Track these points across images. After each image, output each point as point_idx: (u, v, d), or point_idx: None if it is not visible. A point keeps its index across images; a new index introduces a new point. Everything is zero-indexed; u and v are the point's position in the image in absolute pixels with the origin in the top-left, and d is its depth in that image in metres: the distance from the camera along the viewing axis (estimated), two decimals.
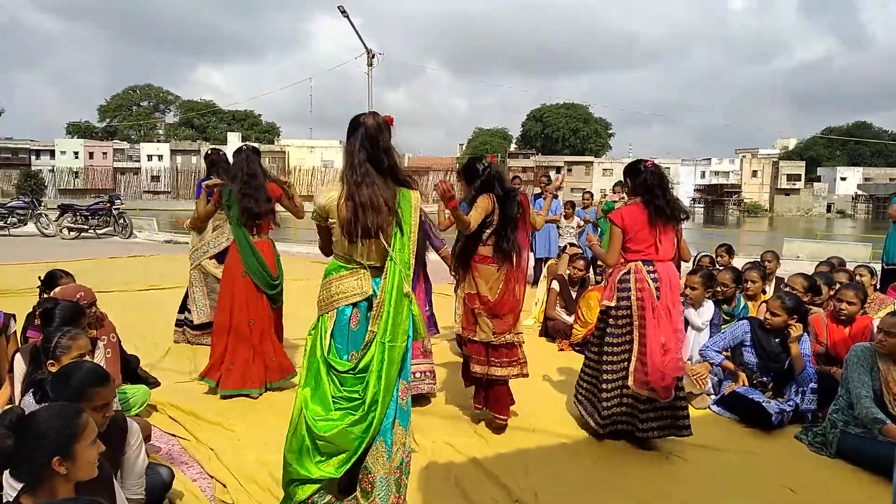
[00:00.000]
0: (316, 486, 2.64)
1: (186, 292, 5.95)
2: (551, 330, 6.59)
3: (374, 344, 2.63)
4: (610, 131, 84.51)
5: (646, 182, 3.83)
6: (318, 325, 2.77)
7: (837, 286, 5.27)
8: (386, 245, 2.69)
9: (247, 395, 4.54)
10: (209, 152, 6.03)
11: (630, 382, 3.77)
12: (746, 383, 4.46)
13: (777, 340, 4.44)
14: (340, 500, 2.70)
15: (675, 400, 3.84)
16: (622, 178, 4.15)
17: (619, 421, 3.90)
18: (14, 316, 4.20)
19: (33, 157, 68.98)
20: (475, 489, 3.27)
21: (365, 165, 2.66)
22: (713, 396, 4.69)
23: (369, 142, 2.68)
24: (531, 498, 3.22)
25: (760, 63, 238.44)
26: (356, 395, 2.63)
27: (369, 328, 2.66)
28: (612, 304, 3.87)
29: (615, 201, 8.69)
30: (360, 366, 2.64)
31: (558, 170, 63.82)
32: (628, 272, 3.83)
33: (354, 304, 2.72)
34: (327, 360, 2.69)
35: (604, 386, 3.89)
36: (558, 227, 10.12)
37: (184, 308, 5.99)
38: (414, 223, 2.74)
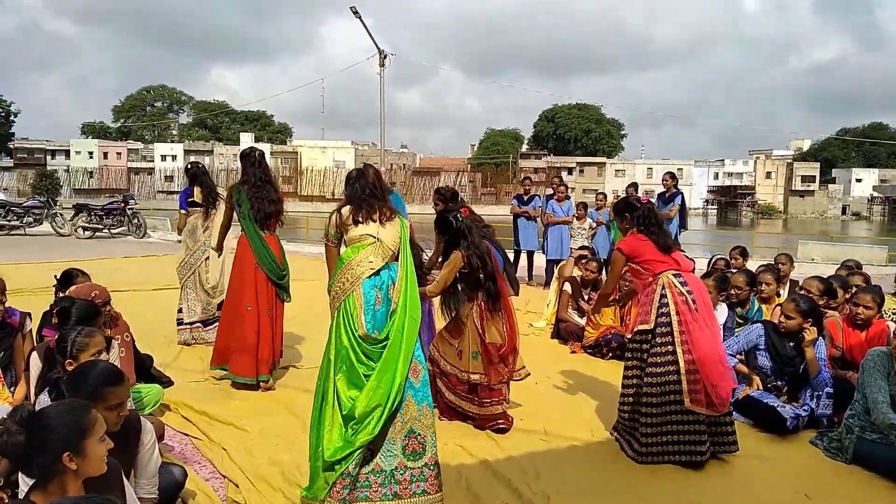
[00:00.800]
0: (349, 458, 2.84)
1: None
2: (563, 332, 6.57)
3: (397, 313, 3.02)
4: (622, 132, 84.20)
5: (644, 216, 3.96)
6: (345, 308, 3.06)
7: (854, 289, 5.21)
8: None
9: (260, 383, 4.71)
10: (188, 166, 6.32)
11: (687, 403, 3.60)
12: (761, 387, 4.42)
13: (791, 344, 4.39)
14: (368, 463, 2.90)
15: (723, 416, 3.72)
16: (617, 214, 4.14)
17: (667, 451, 3.66)
18: (30, 314, 4.24)
19: (49, 157, 69.65)
20: (486, 492, 3.26)
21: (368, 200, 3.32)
22: None
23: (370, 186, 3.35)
24: (542, 501, 3.21)
25: (775, 64, 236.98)
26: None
27: (392, 300, 3.07)
28: (651, 326, 3.74)
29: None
30: (384, 335, 3.01)
31: (570, 171, 63.75)
32: (662, 287, 3.75)
33: (378, 287, 3.10)
34: (358, 338, 2.98)
35: (644, 410, 3.70)
36: (570, 229, 10.09)
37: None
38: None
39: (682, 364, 3.61)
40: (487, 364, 4.10)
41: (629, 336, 3.92)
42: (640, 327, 3.79)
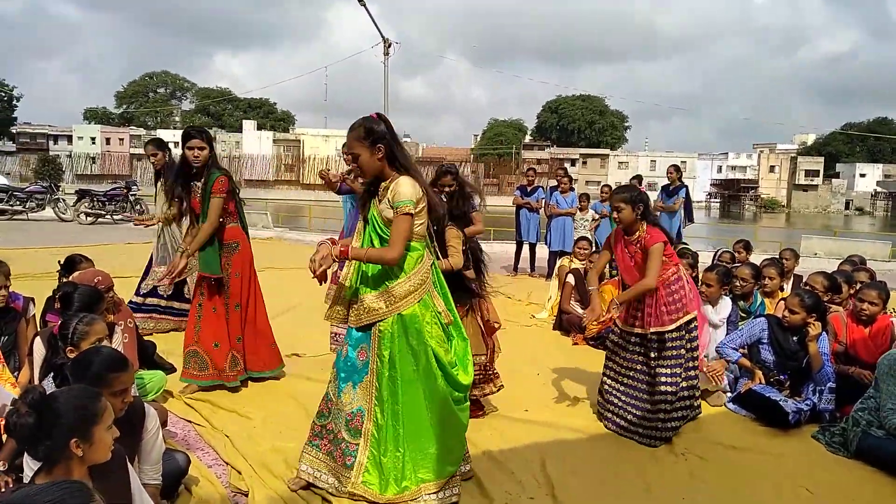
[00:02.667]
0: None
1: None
2: (566, 323, 6.57)
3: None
4: (626, 124, 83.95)
5: (648, 207, 4.03)
6: (431, 303, 3.00)
7: (858, 285, 5.20)
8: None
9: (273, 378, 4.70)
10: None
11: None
12: (763, 381, 4.42)
13: (795, 339, 4.39)
14: None
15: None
16: (629, 203, 3.94)
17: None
18: (33, 300, 4.24)
19: (51, 143, 69.65)
20: (490, 482, 3.26)
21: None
22: (729, 394, 4.66)
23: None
24: (547, 492, 3.21)
25: (784, 55, 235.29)
26: None
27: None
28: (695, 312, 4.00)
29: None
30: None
31: (573, 162, 63.59)
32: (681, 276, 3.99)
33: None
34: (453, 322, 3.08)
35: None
36: (573, 220, 10.07)
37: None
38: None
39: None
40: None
41: (671, 328, 3.88)
42: (690, 315, 3.92)
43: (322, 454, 3.08)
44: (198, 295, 4.42)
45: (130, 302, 5.82)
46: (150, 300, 6.00)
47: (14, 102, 72.09)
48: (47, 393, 1.99)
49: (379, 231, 2.95)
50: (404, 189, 2.84)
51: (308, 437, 3.14)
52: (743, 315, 5.24)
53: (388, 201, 2.87)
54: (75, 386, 2.13)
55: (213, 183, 4.27)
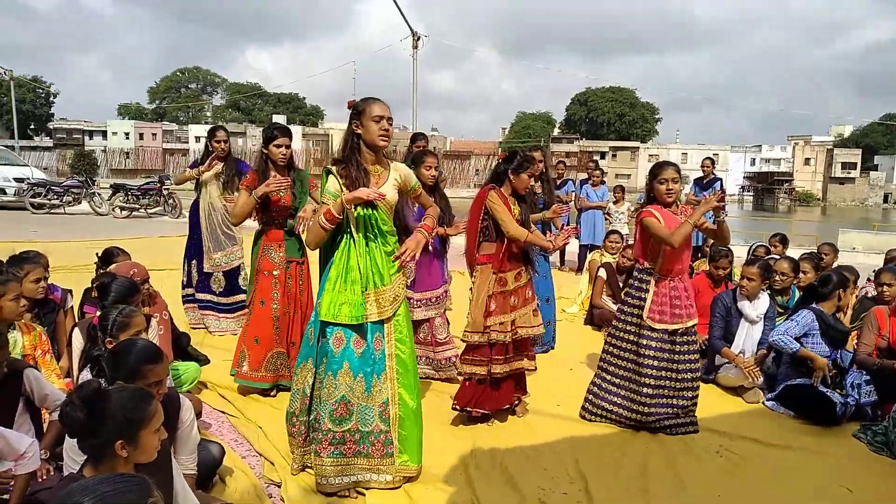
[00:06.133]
0: None
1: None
2: (597, 318, 6.50)
3: None
4: (657, 116, 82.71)
5: None
6: None
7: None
8: None
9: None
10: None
11: None
12: (826, 372, 4.28)
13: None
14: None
15: None
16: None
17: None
18: (71, 291, 4.32)
19: (86, 138, 70.88)
20: (522, 478, 3.24)
21: None
22: (766, 391, 4.57)
23: None
24: (580, 487, 3.18)
25: (821, 46, 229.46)
26: None
27: None
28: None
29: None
30: None
31: (603, 155, 62.92)
32: None
33: None
34: None
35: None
36: (607, 214, 9.94)
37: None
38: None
39: None
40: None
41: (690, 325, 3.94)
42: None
43: (349, 458, 3.00)
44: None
45: (185, 296, 5.92)
46: (200, 295, 5.92)
47: (51, 99, 73.67)
48: (102, 389, 2.01)
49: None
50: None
51: (319, 449, 2.96)
52: (780, 310, 5.13)
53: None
54: (129, 387, 2.14)
55: (309, 179, 4.47)
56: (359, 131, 3.03)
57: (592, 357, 5.39)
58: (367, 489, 3.02)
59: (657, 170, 3.91)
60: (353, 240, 2.99)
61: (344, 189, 2.95)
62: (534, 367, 4.06)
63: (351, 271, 2.99)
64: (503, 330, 3.78)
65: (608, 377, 4.02)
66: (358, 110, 3.03)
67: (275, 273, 4.28)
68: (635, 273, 4.03)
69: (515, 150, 4.01)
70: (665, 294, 3.83)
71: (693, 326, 3.94)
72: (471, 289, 3.92)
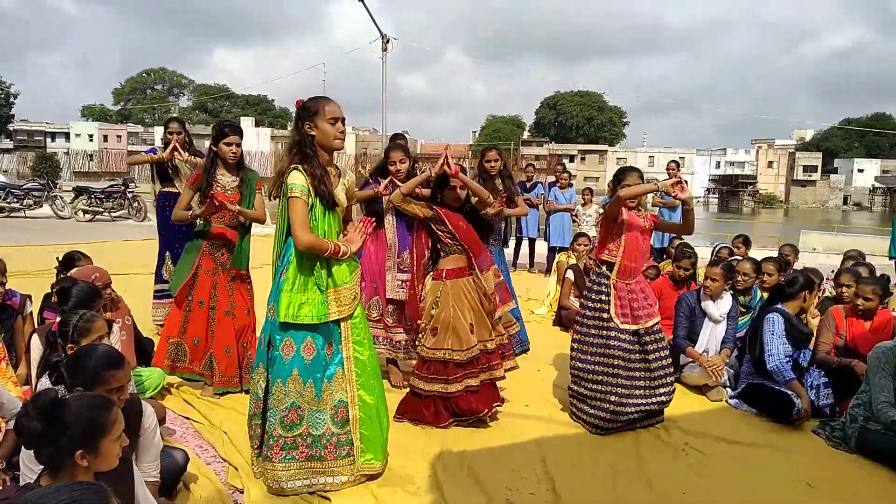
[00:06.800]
0: None
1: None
2: (565, 320, 6.55)
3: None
4: (625, 120, 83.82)
5: None
6: None
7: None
8: None
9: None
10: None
11: None
12: (809, 408, 4.15)
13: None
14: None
15: None
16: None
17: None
18: (30, 297, 4.23)
19: (48, 140, 69.34)
20: (490, 479, 3.25)
21: None
22: (730, 390, 4.66)
23: None
24: (548, 487, 3.20)
25: (785, 52, 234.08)
26: None
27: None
28: None
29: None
30: None
31: (572, 158, 63.51)
32: None
33: None
34: None
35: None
36: (574, 216, 10.04)
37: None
38: None
39: None
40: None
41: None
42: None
43: (301, 462, 2.99)
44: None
45: (157, 292, 5.68)
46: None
47: (11, 100, 71.81)
48: (58, 398, 1.95)
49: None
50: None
51: (271, 455, 2.96)
52: (743, 310, 5.23)
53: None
54: (88, 394, 2.09)
55: (257, 181, 4.35)
56: (312, 133, 2.99)
57: (560, 357, 5.44)
58: (326, 492, 3.01)
59: (621, 175, 4.06)
60: None
61: (311, 188, 2.94)
62: (510, 368, 4.13)
63: (310, 271, 2.96)
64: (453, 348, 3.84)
65: (585, 384, 3.99)
66: (310, 111, 2.99)
67: (215, 276, 4.24)
68: (592, 276, 4.14)
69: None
70: (624, 297, 3.94)
71: (656, 325, 4.01)
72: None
